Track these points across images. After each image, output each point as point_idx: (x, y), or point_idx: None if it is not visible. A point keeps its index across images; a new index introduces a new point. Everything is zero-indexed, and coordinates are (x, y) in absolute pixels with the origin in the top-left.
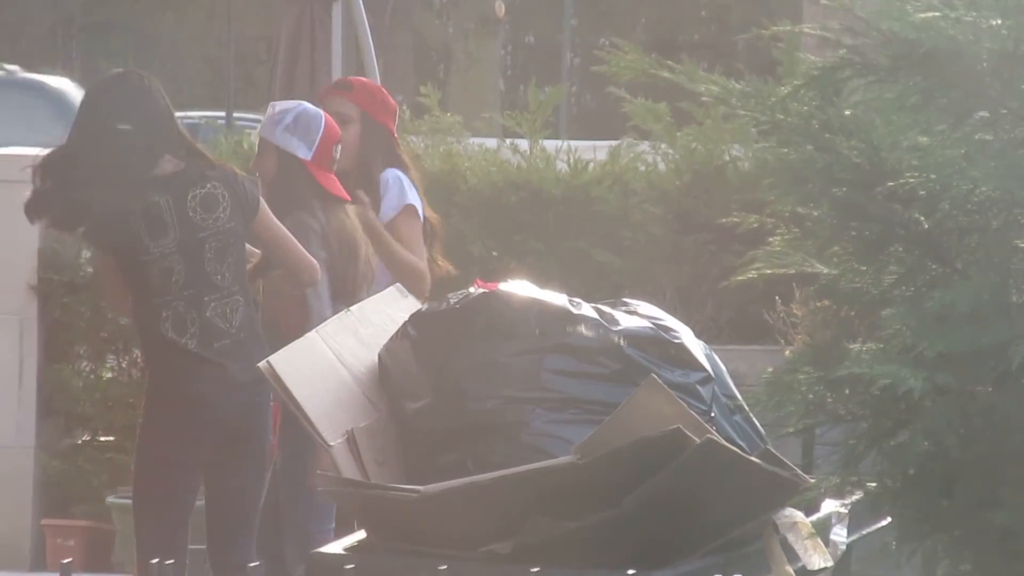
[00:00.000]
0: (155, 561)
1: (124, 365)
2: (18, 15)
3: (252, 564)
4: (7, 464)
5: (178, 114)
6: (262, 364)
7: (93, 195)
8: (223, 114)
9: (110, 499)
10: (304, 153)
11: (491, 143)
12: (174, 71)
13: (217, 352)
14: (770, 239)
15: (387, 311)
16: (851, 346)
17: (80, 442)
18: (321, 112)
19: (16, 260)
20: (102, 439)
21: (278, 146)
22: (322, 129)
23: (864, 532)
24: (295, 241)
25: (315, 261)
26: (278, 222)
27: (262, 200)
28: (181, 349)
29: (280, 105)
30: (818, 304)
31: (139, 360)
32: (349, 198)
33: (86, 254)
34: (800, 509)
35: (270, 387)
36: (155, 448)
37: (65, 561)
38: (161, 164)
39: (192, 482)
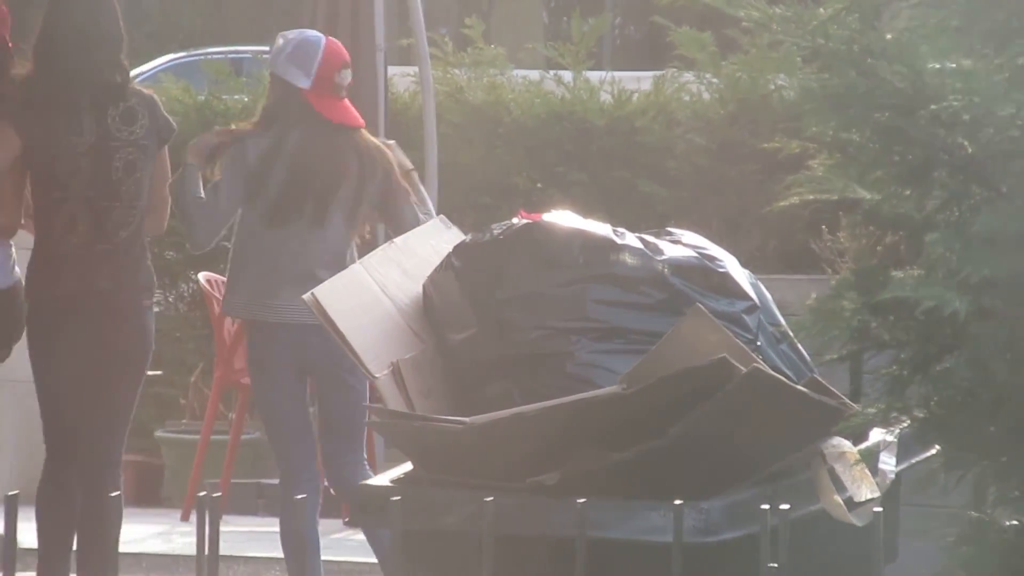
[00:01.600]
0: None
1: (171, 299)
2: None
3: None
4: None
5: (222, 48)
6: (307, 296)
7: (40, 84)
8: (267, 48)
9: (158, 433)
10: (304, 82)
11: (534, 75)
12: (218, 5)
13: (96, 254)
14: (811, 163)
15: (431, 242)
16: (895, 272)
17: None
18: (320, 38)
19: None
20: (149, 373)
21: (277, 75)
22: (320, 57)
23: (913, 461)
24: (166, 191)
25: (164, 221)
26: (168, 167)
27: (171, 138)
28: (64, 245)
29: (285, 35)
30: (862, 230)
31: (186, 295)
32: (360, 123)
33: None
34: (848, 438)
35: (146, 307)
36: (30, 345)
37: (114, 494)
38: (101, 74)
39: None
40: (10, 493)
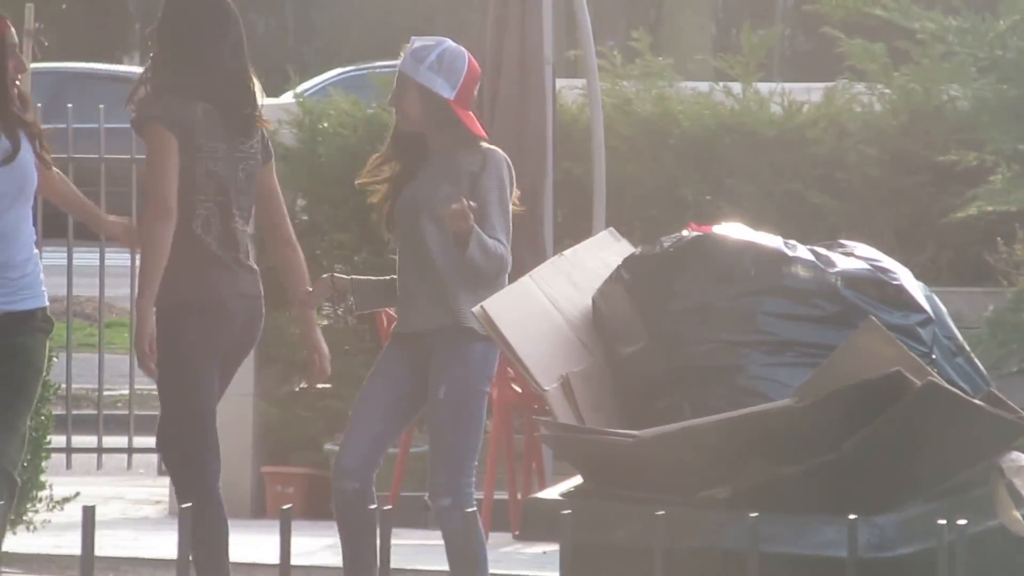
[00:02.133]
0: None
1: (340, 312)
2: None
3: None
4: (227, 413)
5: (390, 62)
6: (476, 309)
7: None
8: None
9: (328, 446)
10: (448, 92)
11: (703, 86)
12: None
13: (232, 259)
14: (991, 177)
15: (600, 255)
16: None
17: (297, 390)
18: (464, 50)
19: None
20: (319, 387)
21: (420, 84)
22: (466, 68)
23: None
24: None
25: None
26: (276, 181)
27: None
28: (205, 248)
29: (420, 41)
30: None
31: (354, 308)
32: (486, 136)
33: (301, 202)
34: None
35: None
36: (176, 345)
37: (285, 507)
38: (241, 109)
39: (210, 377)
40: (185, 506)
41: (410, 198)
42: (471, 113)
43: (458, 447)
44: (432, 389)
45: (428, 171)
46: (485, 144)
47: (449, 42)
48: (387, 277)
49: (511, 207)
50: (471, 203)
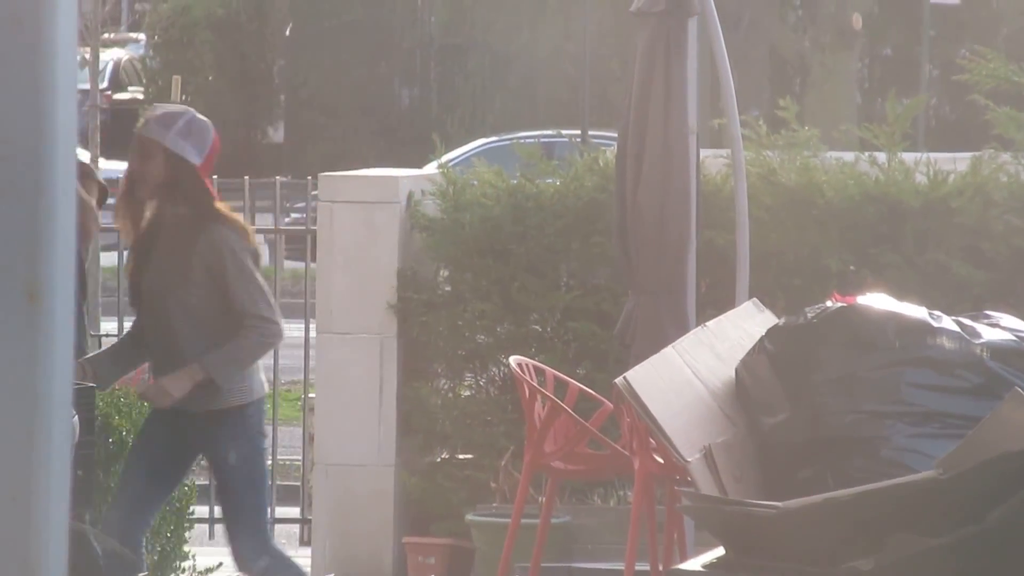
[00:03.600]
0: None
1: (482, 383)
2: (379, 37)
3: None
4: (369, 482)
5: (534, 132)
6: (619, 380)
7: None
8: (578, 132)
9: (469, 517)
10: (195, 159)
11: (848, 156)
12: (530, 90)
13: None
14: None
15: (743, 325)
16: None
17: (439, 460)
18: (209, 122)
19: (376, 280)
20: (460, 457)
21: (168, 149)
22: (211, 138)
23: None
24: None
25: None
26: None
27: None
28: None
29: (163, 108)
30: None
31: (496, 378)
32: (224, 207)
33: (444, 272)
34: None
35: None
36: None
37: None
38: None
39: None
40: None
41: (155, 279)
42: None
43: (257, 506)
44: (219, 457)
45: (165, 248)
46: (214, 219)
47: (194, 112)
48: (116, 343)
49: (254, 271)
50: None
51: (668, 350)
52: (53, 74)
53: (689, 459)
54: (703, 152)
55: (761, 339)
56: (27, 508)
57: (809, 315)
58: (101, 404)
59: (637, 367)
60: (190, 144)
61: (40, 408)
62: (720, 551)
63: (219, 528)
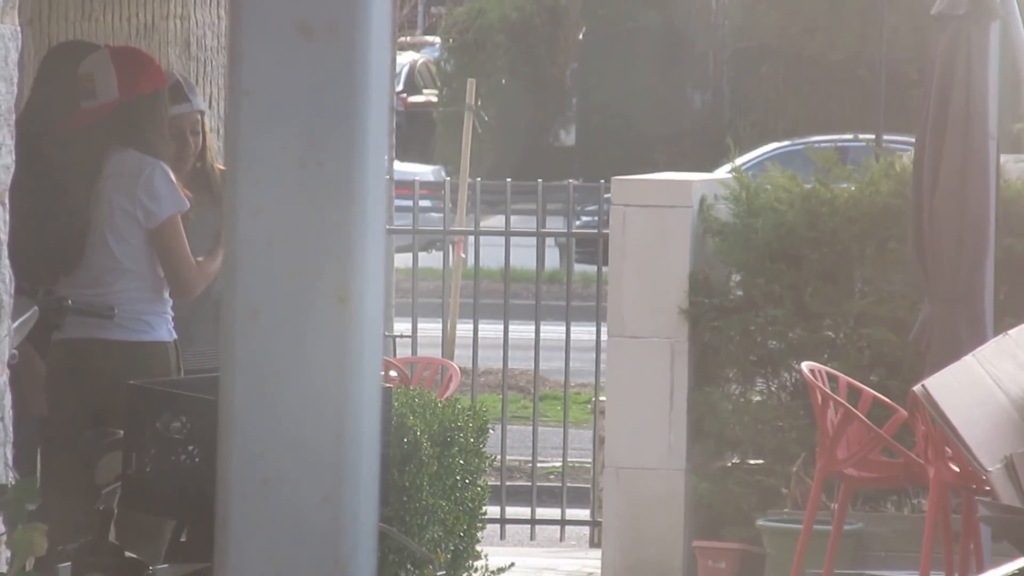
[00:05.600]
0: None
1: (773, 388)
2: (672, 41)
3: None
4: (659, 486)
5: (828, 137)
6: (917, 388)
7: None
8: (873, 136)
9: (760, 522)
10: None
11: None
12: (824, 93)
13: None
14: None
15: None
16: None
17: (730, 465)
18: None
19: (667, 284)
20: (751, 462)
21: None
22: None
23: None
24: None
25: None
26: None
27: None
28: None
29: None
30: None
31: (788, 384)
32: None
33: (736, 277)
34: None
35: None
36: None
37: None
38: None
39: None
40: None
41: None
42: None
43: None
44: None
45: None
46: None
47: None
48: None
49: None
50: None
51: (968, 358)
52: (367, 80)
53: (990, 469)
54: (1003, 157)
55: None
56: (338, 509)
57: None
58: (396, 404)
59: (935, 375)
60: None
61: (350, 410)
62: (1021, 562)
63: (511, 528)
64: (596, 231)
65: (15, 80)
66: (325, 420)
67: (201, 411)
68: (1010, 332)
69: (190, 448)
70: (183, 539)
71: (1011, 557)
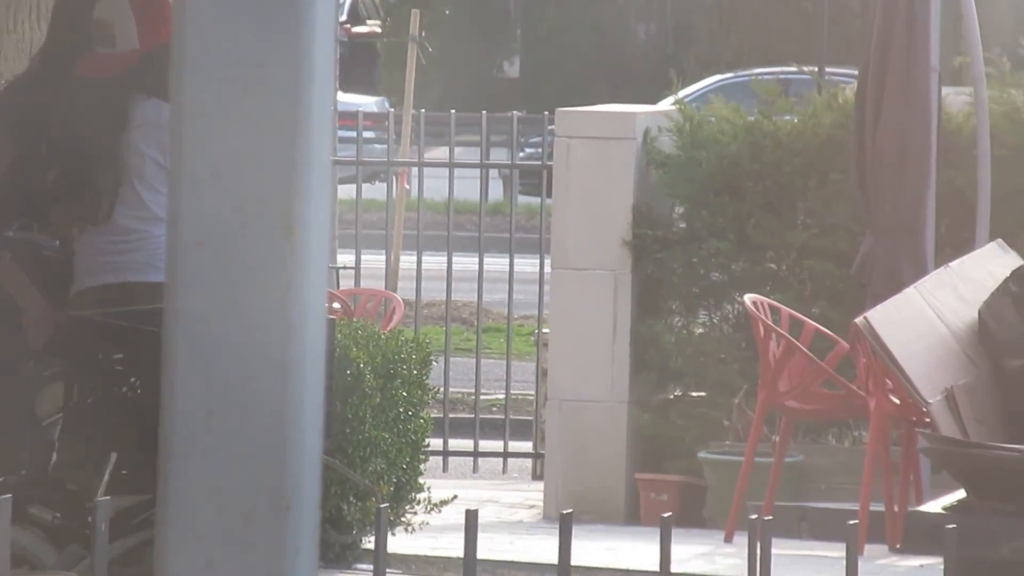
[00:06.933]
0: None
1: (716, 320)
2: None
3: None
4: (601, 418)
5: (771, 69)
6: (859, 320)
7: None
8: (816, 68)
9: (702, 454)
10: None
11: None
12: (768, 25)
13: None
14: None
15: (987, 266)
16: None
17: (672, 397)
18: None
19: (611, 216)
20: (693, 395)
21: None
22: None
23: None
24: None
25: None
26: None
27: None
28: None
29: None
30: None
31: (730, 316)
32: None
33: (679, 209)
34: None
35: None
36: None
37: (665, 515)
38: None
39: None
40: (564, 511)
41: None
42: None
43: None
44: None
45: None
46: None
47: None
48: None
49: None
50: None
51: (910, 290)
52: (311, 9)
53: (930, 400)
54: (944, 90)
55: (1006, 280)
56: (282, 440)
57: None
58: (340, 336)
59: (877, 307)
60: None
61: (294, 341)
62: (960, 494)
63: (454, 461)
64: (540, 163)
65: None
66: (270, 351)
67: (144, 342)
68: (951, 264)
69: (132, 380)
70: (124, 471)
71: (950, 489)
